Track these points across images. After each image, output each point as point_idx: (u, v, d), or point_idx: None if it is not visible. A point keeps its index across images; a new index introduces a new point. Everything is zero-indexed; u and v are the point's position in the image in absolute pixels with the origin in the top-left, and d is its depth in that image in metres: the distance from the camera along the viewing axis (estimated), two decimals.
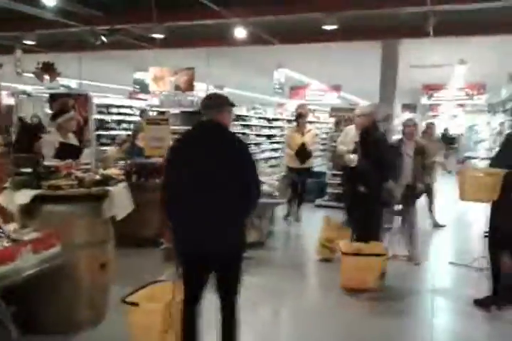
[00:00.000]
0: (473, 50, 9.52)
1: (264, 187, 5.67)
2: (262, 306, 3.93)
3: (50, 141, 4.58)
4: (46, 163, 3.68)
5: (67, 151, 4.47)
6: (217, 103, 2.82)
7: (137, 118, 10.82)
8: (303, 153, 7.07)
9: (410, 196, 5.22)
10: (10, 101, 9.90)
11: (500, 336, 3.52)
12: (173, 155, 2.74)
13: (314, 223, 7.38)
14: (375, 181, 4.48)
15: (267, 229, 6.07)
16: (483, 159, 7.33)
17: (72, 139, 4.82)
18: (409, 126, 5.47)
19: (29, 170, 3.57)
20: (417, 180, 5.18)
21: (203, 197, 2.58)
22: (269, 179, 6.14)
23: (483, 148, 12.43)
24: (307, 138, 7.22)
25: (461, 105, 15.16)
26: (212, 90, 11.66)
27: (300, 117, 7.39)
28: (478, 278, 4.73)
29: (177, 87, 9.22)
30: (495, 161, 3.99)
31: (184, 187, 2.62)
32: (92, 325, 3.40)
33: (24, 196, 3.30)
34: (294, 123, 7.55)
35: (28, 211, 3.32)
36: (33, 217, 3.31)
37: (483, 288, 4.18)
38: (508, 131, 4.13)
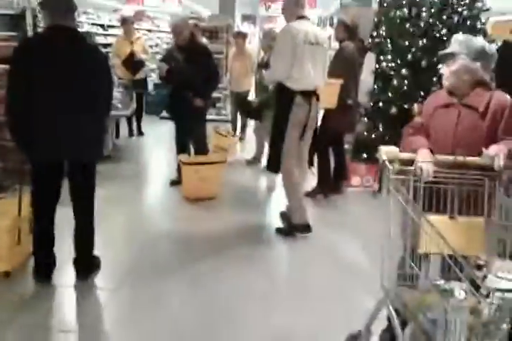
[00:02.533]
0: None
1: None
2: (111, 215, 4.04)
3: None
4: None
5: None
6: (68, 4, 2.62)
7: None
8: (132, 63, 6.57)
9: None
10: None
11: (321, 217, 4.26)
12: (23, 62, 2.54)
13: (157, 135, 7.44)
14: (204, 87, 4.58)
15: (111, 142, 5.99)
16: None
17: None
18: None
19: None
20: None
21: (57, 105, 2.55)
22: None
23: None
24: (136, 47, 6.70)
25: None
26: None
27: (124, 23, 6.81)
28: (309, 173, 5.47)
29: None
30: (329, 73, 4.48)
31: (36, 95, 2.52)
32: None
33: None
34: (122, 31, 6.91)
35: None
36: None
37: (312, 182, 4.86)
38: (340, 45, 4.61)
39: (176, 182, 4.80)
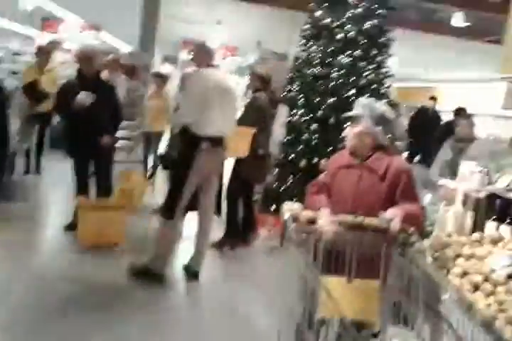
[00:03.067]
0: (230, 13, 10.20)
1: None
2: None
3: None
4: None
5: None
6: None
7: None
8: (34, 92, 6.03)
9: None
10: None
11: (225, 269, 4.13)
12: None
13: (59, 173, 6.83)
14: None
15: (3, 179, 5.44)
16: None
17: None
18: None
19: None
20: None
21: None
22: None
23: None
24: (46, 78, 6.27)
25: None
26: None
27: (40, 52, 6.53)
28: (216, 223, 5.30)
29: None
30: (241, 121, 4.55)
31: None
32: None
33: None
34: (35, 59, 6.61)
35: None
36: None
37: (219, 231, 4.69)
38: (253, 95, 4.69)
39: (71, 227, 4.39)
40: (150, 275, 3.53)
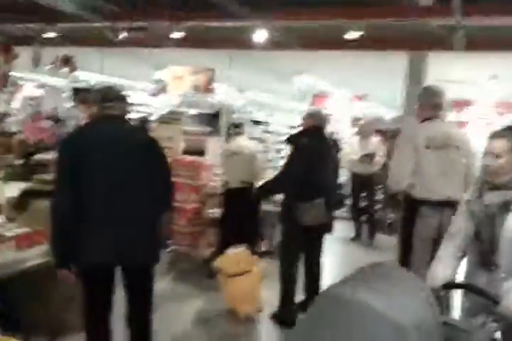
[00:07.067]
0: (506, 65, 9.15)
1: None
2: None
3: None
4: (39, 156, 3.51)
5: None
6: (123, 95, 2.50)
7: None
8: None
9: None
10: (35, 92, 9.94)
11: None
12: (75, 153, 2.25)
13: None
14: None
15: (278, 239, 5.88)
16: None
17: None
18: None
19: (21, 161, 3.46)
20: None
21: (112, 203, 2.28)
22: None
23: None
24: None
25: (489, 123, 14.60)
26: (233, 93, 11.56)
27: None
28: None
29: (196, 88, 9.11)
30: None
31: (90, 191, 2.26)
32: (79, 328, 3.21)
33: (13, 189, 3.21)
34: None
35: (17, 204, 3.21)
36: (22, 211, 3.20)
37: None
38: None
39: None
40: None
